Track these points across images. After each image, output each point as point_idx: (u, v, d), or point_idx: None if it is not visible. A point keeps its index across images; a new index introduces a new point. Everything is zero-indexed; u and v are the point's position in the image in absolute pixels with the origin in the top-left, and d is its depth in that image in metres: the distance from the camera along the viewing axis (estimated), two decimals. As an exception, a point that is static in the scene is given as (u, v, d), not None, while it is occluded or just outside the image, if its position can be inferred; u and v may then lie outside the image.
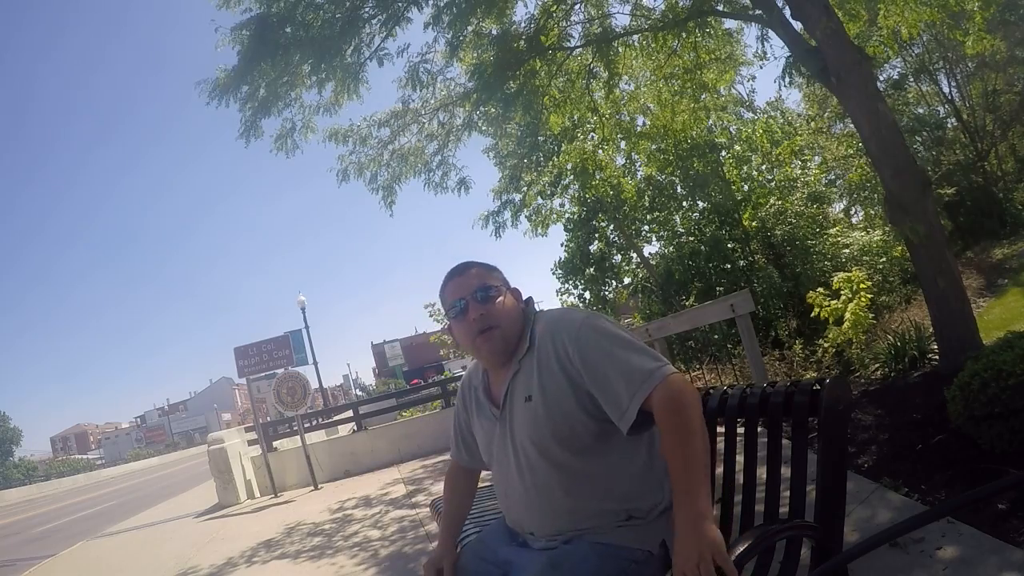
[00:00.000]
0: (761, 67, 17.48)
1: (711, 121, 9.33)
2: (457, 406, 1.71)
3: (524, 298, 1.56)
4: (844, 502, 1.40)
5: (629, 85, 8.08)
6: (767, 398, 1.55)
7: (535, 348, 1.41)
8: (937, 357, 4.57)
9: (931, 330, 4.72)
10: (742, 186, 10.10)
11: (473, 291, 1.46)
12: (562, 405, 1.34)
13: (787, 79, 6.06)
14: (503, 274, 1.57)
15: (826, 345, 6.12)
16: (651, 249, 12.16)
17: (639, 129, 8.98)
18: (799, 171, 10.45)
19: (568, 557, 1.29)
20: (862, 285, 5.71)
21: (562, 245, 12.30)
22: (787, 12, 4.92)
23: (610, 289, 11.97)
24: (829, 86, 4.90)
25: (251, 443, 8.83)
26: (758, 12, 5.26)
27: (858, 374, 5.36)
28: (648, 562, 1.31)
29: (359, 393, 51.64)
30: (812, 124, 14.40)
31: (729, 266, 9.79)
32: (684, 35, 6.53)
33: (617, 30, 6.75)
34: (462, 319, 1.48)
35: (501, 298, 1.47)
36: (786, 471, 1.50)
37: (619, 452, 1.34)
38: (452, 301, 1.49)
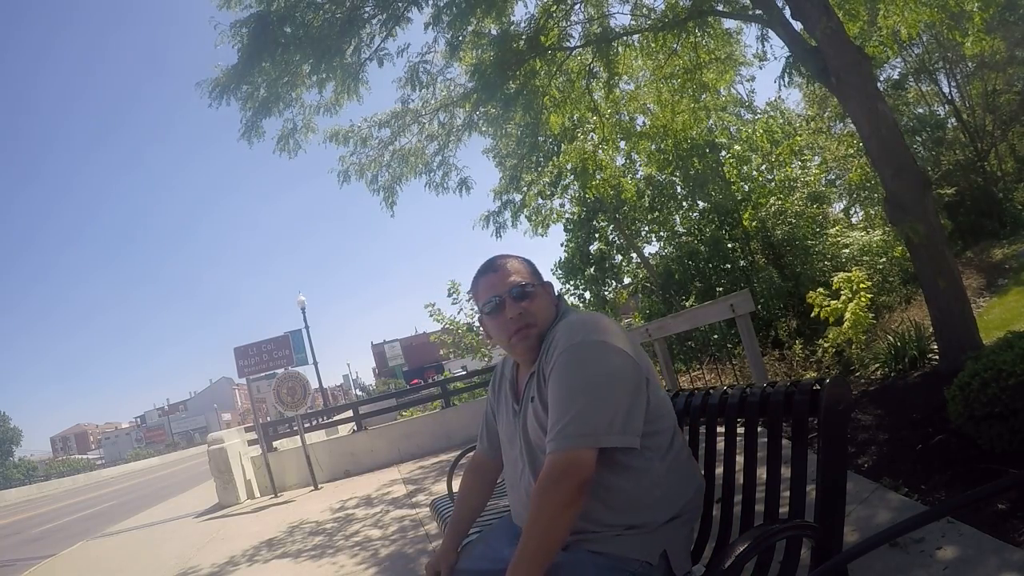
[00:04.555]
0: (761, 67, 17.51)
1: (711, 121, 9.33)
2: (488, 395, 1.71)
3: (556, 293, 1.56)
4: (844, 502, 1.40)
5: (629, 85, 8.09)
6: (767, 398, 1.55)
7: (549, 349, 1.39)
8: (937, 357, 4.57)
9: (931, 330, 4.72)
10: (742, 186, 10.10)
11: (509, 288, 1.45)
12: (549, 412, 1.33)
13: (787, 79, 6.05)
14: (537, 268, 1.55)
15: (826, 345, 6.12)
16: (651, 249, 12.17)
17: (639, 129, 8.98)
18: (799, 171, 10.44)
19: (566, 566, 1.27)
20: (862, 285, 5.71)
21: (562, 245, 12.32)
22: (787, 12, 4.92)
23: (610, 289, 11.98)
24: (829, 86, 4.90)
25: (251, 443, 8.83)
26: (758, 12, 5.27)
27: (858, 374, 5.36)
28: (647, 574, 1.30)
29: (359, 393, 51.70)
30: (812, 124, 14.41)
31: (729, 266, 9.80)
32: (684, 35, 6.53)
33: (617, 30, 6.75)
34: (496, 315, 1.46)
35: (537, 296, 1.46)
36: (786, 471, 1.49)
37: (624, 463, 1.31)
38: (487, 297, 1.47)
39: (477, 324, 12.76)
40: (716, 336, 8.40)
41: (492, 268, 1.50)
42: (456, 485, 1.98)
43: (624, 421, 1.25)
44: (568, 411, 1.24)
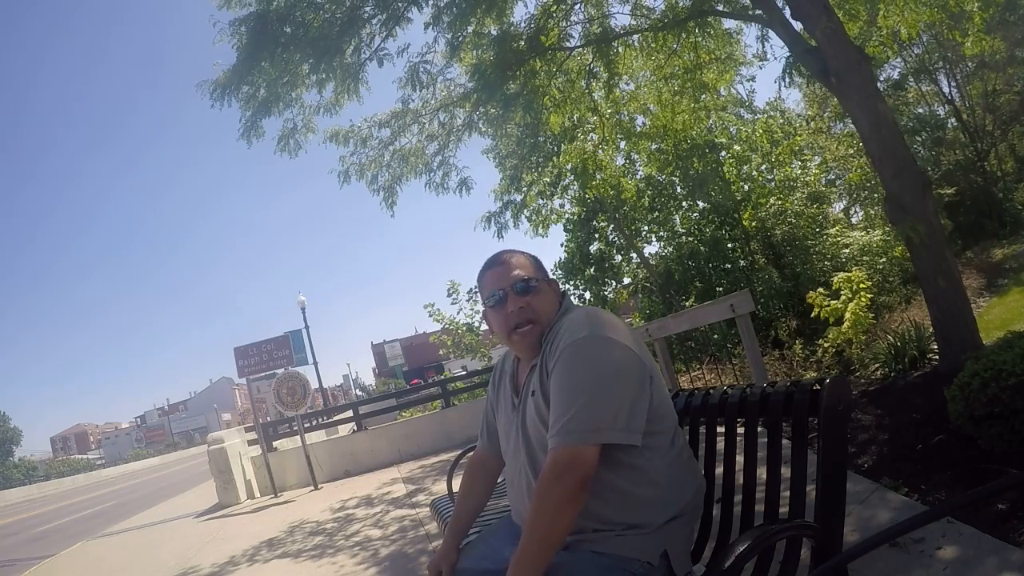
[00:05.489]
0: (761, 67, 17.51)
1: (711, 121, 9.32)
2: (488, 391, 1.71)
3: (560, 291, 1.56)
4: (844, 502, 1.40)
5: (629, 85, 8.08)
6: (767, 398, 1.55)
7: (553, 344, 1.38)
8: (937, 357, 4.57)
9: (931, 330, 4.72)
10: (742, 186, 10.09)
11: (513, 282, 1.46)
12: (551, 407, 1.32)
13: (787, 79, 6.04)
14: (543, 265, 1.56)
15: (826, 345, 6.12)
16: (651, 249, 12.16)
17: (639, 129, 8.97)
18: (799, 171, 10.44)
19: (567, 566, 1.27)
20: (862, 285, 5.71)
21: (562, 245, 12.29)
22: (787, 12, 4.92)
23: (610, 289, 11.96)
24: (829, 86, 4.90)
25: (251, 443, 8.83)
26: (758, 12, 5.26)
27: (858, 374, 5.36)
28: (648, 574, 1.29)
29: (359, 393, 51.66)
30: (812, 124, 14.42)
31: (729, 266, 9.80)
32: (684, 35, 6.53)
33: (617, 30, 6.74)
34: (499, 309, 1.47)
35: (541, 292, 1.47)
36: (786, 471, 1.50)
37: (626, 460, 1.30)
38: (491, 290, 1.48)
39: (477, 324, 12.83)
40: (716, 336, 8.40)
41: (498, 262, 1.51)
42: (456, 485, 1.98)
43: (627, 418, 1.25)
44: (571, 406, 1.24)
